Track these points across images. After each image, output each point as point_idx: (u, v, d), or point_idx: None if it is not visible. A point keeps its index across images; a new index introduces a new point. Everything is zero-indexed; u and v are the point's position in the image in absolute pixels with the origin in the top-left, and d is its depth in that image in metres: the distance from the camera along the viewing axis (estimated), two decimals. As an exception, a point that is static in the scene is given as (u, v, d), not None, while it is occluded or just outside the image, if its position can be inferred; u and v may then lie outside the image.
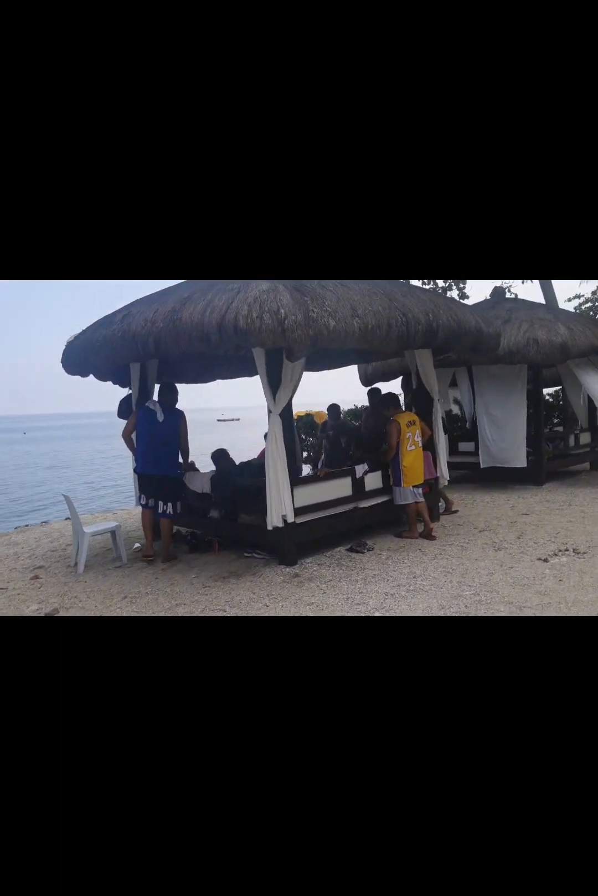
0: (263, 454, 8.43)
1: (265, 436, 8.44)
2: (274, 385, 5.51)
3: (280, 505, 5.44)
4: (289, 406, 6.04)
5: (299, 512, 5.74)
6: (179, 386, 6.61)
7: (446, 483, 7.36)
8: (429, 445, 7.02)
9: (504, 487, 9.33)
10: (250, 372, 9.14)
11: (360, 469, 6.35)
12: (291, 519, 5.54)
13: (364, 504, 6.44)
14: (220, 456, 7.26)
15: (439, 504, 7.43)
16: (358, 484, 6.32)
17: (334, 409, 8.78)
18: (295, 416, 11.17)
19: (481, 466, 9.65)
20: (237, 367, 9.07)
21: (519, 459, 9.31)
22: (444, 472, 7.16)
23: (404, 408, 7.43)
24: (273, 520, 5.47)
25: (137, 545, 7.04)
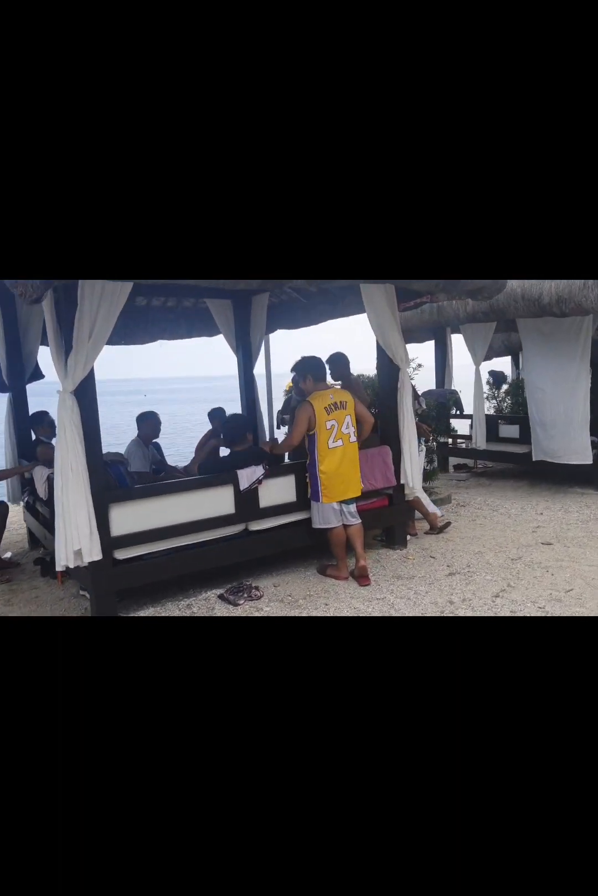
0: (202, 440, 6.51)
1: (212, 413, 6.53)
2: (68, 348, 3.55)
3: (73, 534, 3.53)
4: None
5: (130, 541, 3.81)
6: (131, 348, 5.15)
7: (414, 497, 4.98)
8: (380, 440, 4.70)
9: (556, 490, 6.68)
10: (211, 331, 7.22)
11: (246, 476, 4.21)
12: (92, 557, 3.60)
13: (260, 525, 4.33)
14: (214, 414, 6.02)
15: (411, 524, 5.07)
16: (246, 498, 4.22)
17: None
18: (287, 388, 9.05)
19: (533, 459, 7.02)
20: (190, 323, 7.17)
21: (578, 453, 6.58)
22: (411, 479, 4.79)
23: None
24: (62, 556, 3.57)
25: (8, 555, 5.51)
